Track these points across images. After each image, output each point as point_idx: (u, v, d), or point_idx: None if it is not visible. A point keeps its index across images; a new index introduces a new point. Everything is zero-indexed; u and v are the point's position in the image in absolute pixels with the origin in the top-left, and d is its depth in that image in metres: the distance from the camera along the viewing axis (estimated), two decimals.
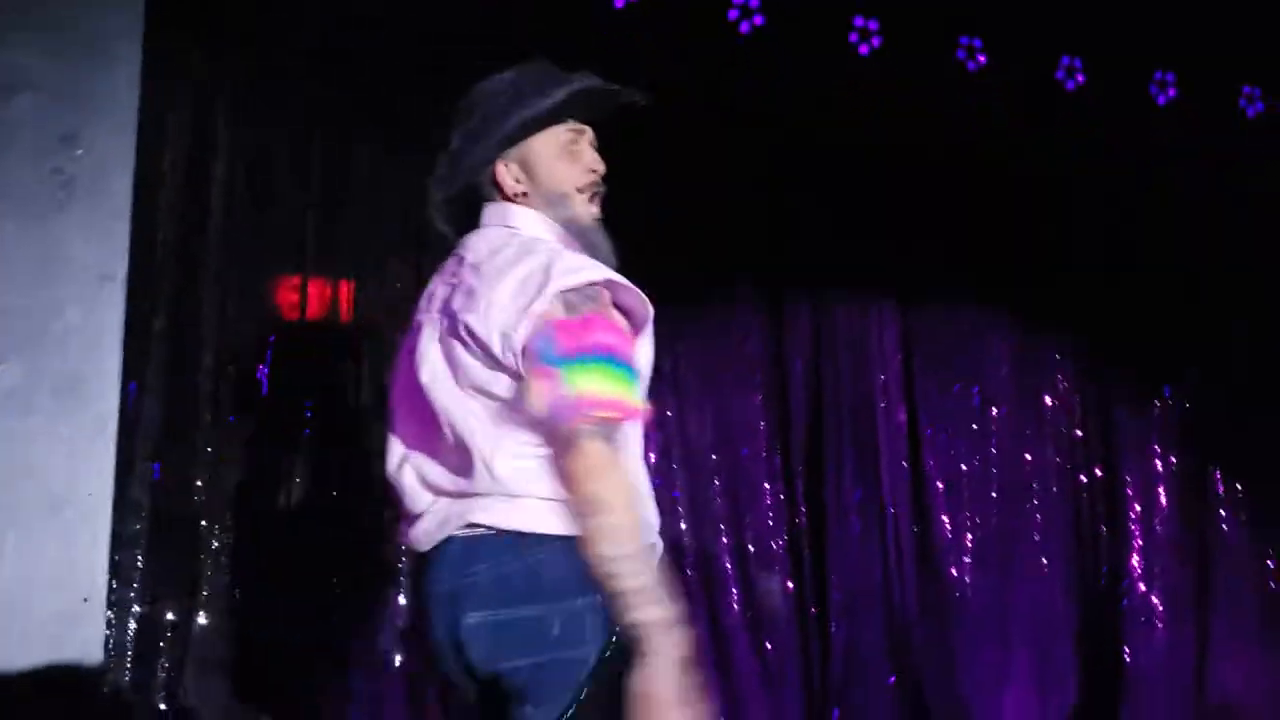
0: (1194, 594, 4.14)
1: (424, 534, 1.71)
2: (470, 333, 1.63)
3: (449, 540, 1.66)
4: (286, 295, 3.30)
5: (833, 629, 3.71)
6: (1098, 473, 4.13)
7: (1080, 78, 4.01)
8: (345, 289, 3.34)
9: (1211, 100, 4.17)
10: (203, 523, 3.06)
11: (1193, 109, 4.15)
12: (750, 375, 3.81)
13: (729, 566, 3.67)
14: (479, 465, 1.63)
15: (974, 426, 4.01)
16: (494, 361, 1.62)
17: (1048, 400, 4.14)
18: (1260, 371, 4.25)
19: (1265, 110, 4.18)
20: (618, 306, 1.67)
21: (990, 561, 3.95)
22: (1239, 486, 4.24)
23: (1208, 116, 4.17)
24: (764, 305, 3.86)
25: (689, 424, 3.72)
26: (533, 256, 1.66)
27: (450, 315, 1.69)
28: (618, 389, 1.53)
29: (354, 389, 3.28)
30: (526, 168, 1.80)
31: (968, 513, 3.96)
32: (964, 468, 3.98)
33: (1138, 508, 4.13)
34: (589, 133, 1.85)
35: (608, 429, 1.54)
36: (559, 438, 1.55)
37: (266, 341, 3.22)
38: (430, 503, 1.72)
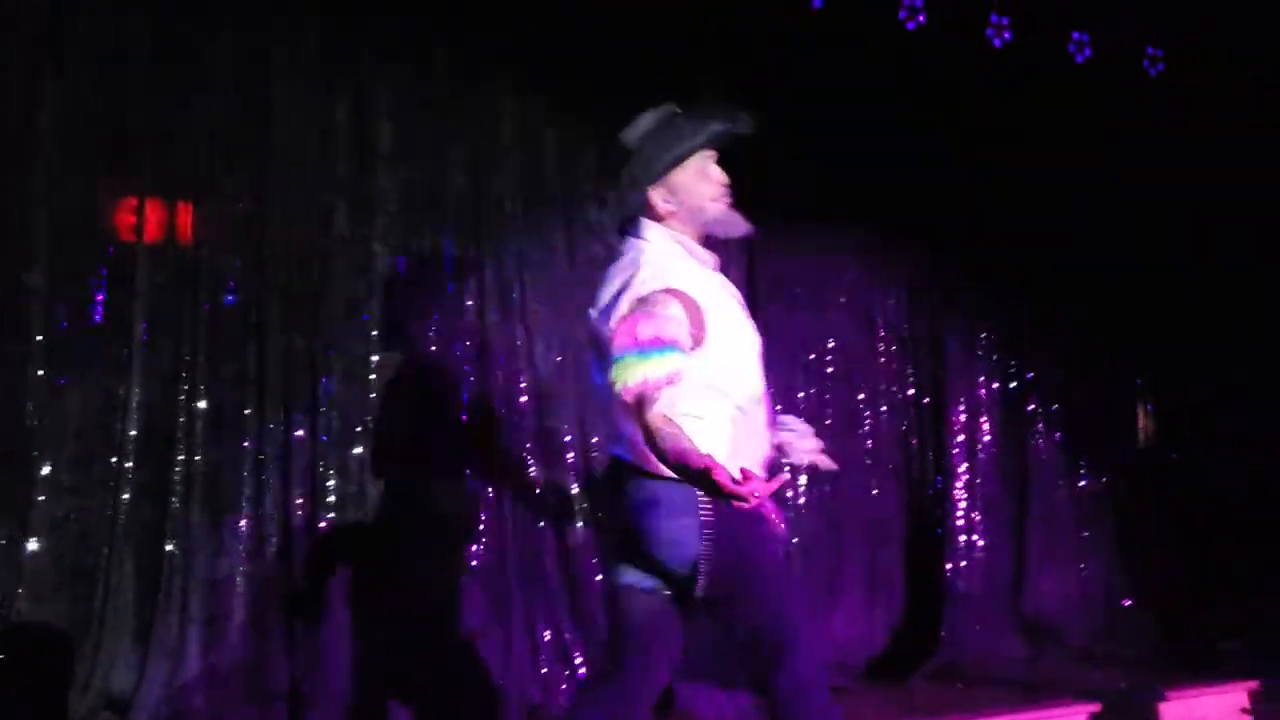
0: (1013, 511, 4.41)
1: None
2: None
3: None
4: (123, 216, 3.22)
5: None
6: (926, 399, 4.35)
7: (922, 18, 4.15)
8: (183, 210, 3.26)
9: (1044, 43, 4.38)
10: (34, 451, 3.02)
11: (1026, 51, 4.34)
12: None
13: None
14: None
15: (811, 356, 4.17)
16: None
17: (882, 329, 4.33)
18: (1076, 302, 4.52)
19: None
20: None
21: (823, 480, 4.12)
22: (1054, 406, 4.52)
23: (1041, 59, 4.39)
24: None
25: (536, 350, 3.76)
26: (625, 275, 2.32)
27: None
28: (646, 372, 2.18)
29: (190, 314, 3.23)
30: (673, 191, 2.40)
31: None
32: (801, 395, 4.14)
33: (961, 432, 4.37)
34: (713, 154, 2.43)
35: (651, 399, 2.19)
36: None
37: (101, 262, 3.15)
38: None
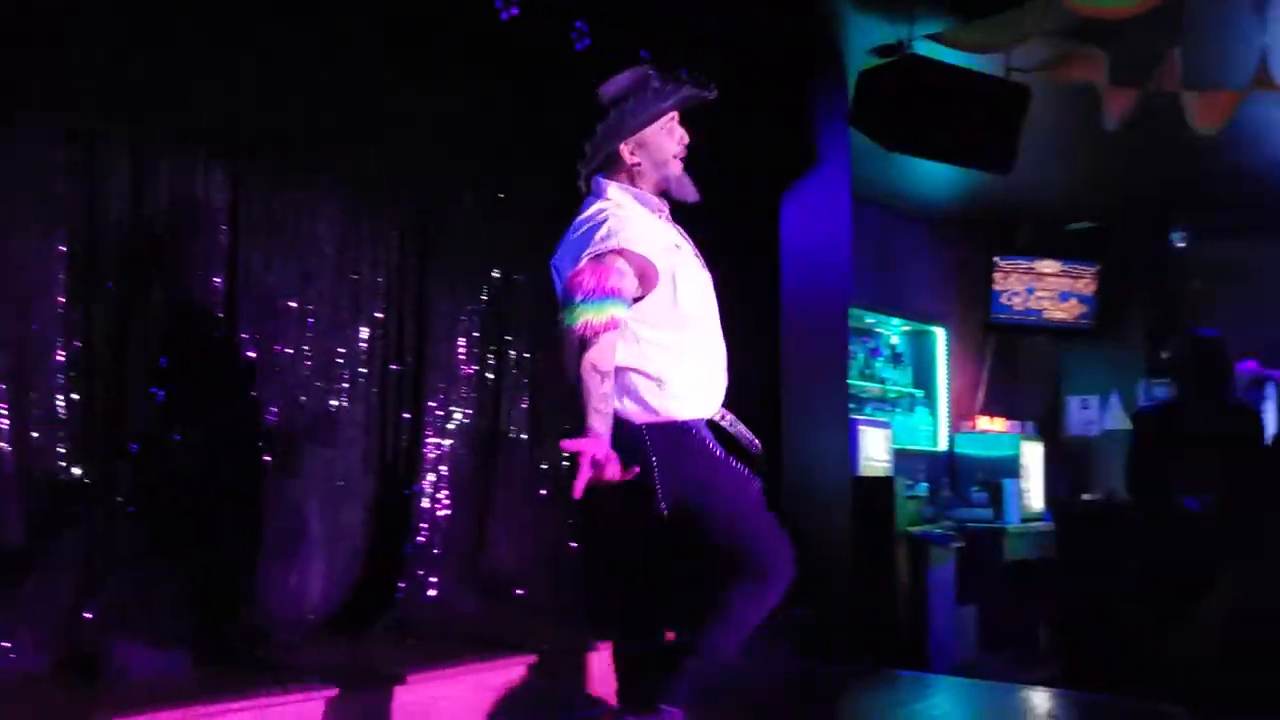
0: (478, 474, 4.56)
1: None
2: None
3: None
4: None
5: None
6: (408, 358, 4.37)
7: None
8: None
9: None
10: None
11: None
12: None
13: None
14: None
15: (293, 304, 4.04)
16: None
17: (367, 287, 4.29)
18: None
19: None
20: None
21: (298, 435, 4.02)
22: (524, 377, 4.73)
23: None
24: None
25: None
26: (588, 226, 2.63)
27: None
28: (588, 317, 2.48)
29: None
30: (642, 145, 2.70)
31: (282, 385, 4.00)
32: (277, 348, 4.00)
33: (435, 396, 4.44)
34: (676, 114, 2.72)
35: (589, 341, 2.47)
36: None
37: None
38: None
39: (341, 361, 4.20)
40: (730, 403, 2.93)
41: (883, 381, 7.71)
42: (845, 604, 5.17)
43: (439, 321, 4.49)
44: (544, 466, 4.79)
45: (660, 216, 2.73)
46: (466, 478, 4.53)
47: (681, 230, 2.78)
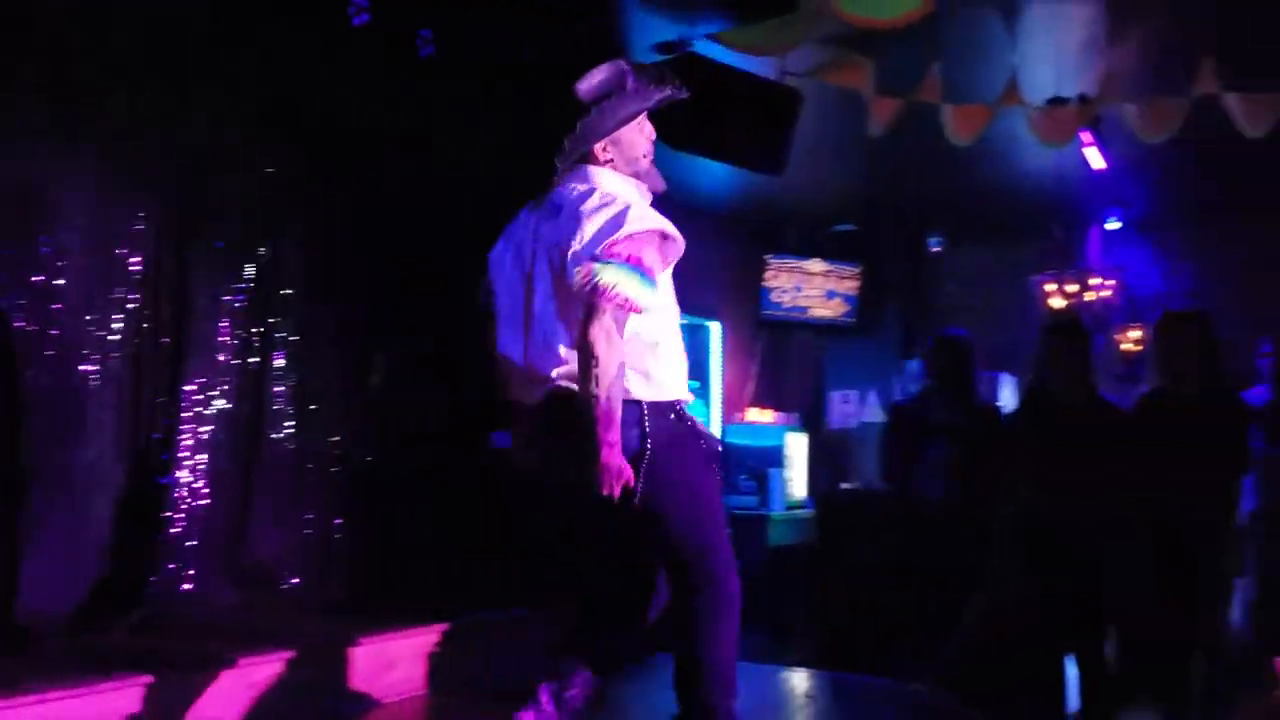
0: (241, 462, 4.37)
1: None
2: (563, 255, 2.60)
3: None
4: None
5: None
6: (163, 341, 4.14)
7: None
8: None
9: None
10: None
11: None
12: None
13: None
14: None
15: (34, 279, 3.76)
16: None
17: (123, 263, 4.03)
18: (315, 258, 4.63)
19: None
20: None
21: (43, 424, 3.75)
22: (291, 362, 4.56)
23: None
24: None
25: None
26: (614, 205, 2.61)
27: (542, 240, 2.70)
28: (627, 287, 2.47)
29: None
30: (617, 142, 2.76)
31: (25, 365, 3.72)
32: (23, 323, 3.72)
33: (195, 380, 4.23)
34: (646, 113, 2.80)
35: (619, 309, 2.49)
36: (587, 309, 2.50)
37: None
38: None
39: (92, 343, 3.93)
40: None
41: None
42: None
43: (199, 301, 4.26)
44: (310, 456, 4.63)
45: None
46: (227, 465, 4.33)
47: None
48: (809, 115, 5.24)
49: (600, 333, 2.46)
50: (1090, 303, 7.03)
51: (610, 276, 2.46)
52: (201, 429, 4.25)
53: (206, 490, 4.24)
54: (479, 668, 4.25)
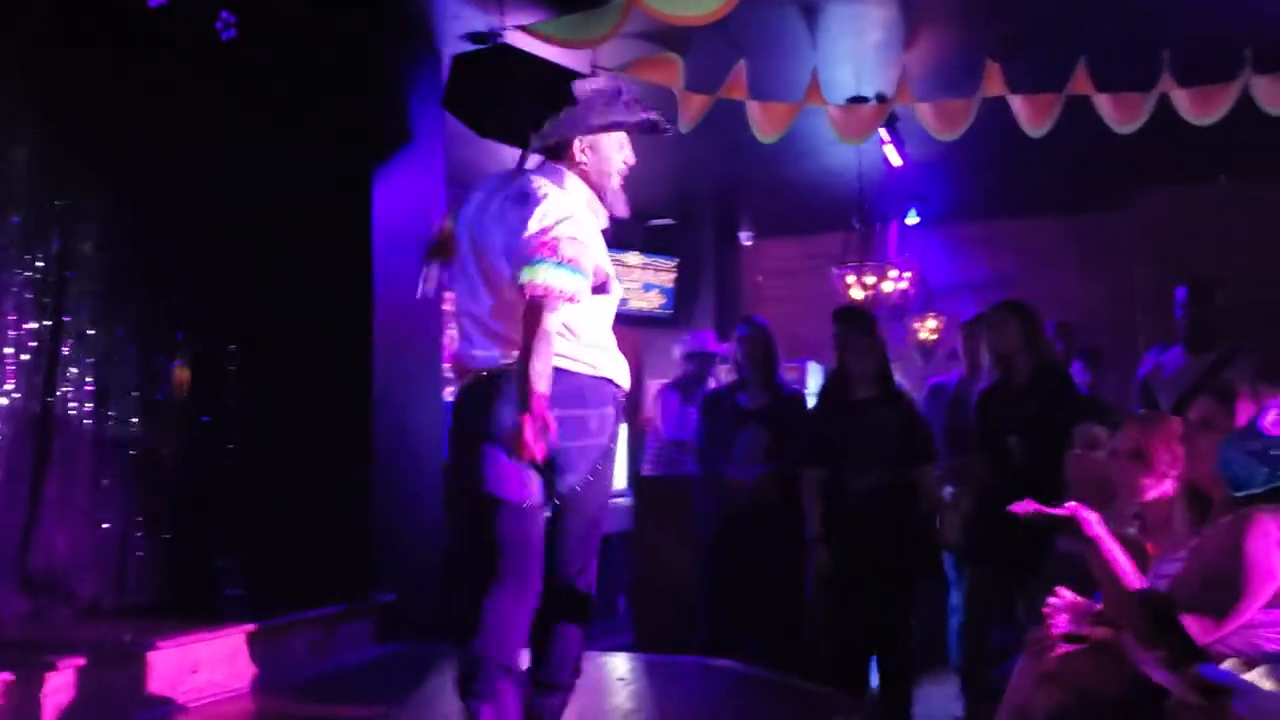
0: (31, 462, 4.15)
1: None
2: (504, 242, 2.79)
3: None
4: None
5: None
6: None
7: None
8: None
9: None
10: None
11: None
12: None
13: None
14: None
15: None
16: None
17: None
18: (120, 251, 4.45)
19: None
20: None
21: None
22: (87, 356, 4.36)
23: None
24: None
25: None
26: (558, 209, 2.73)
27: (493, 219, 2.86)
28: (558, 280, 2.63)
29: None
30: (595, 148, 2.87)
31: None
32: None
33: None
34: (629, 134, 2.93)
35: (551, 304, 2.63)
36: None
37: None
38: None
39: None
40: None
41: None
42: (434, 586, 5.21)
43: None
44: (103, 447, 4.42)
45: (599, 225, 2.89)
46: (13, 463, 4.09)
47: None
48: None
49: (543, 330, 2.61)
50: (888, 293, 7.36)
51: (539, 275, 2.62)
52: None
53: None
54: (290, 667, 4.17)
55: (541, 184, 2.81)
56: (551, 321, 2.62)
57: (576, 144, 2.86)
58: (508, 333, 2.78)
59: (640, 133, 2.96)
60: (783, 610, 5.01)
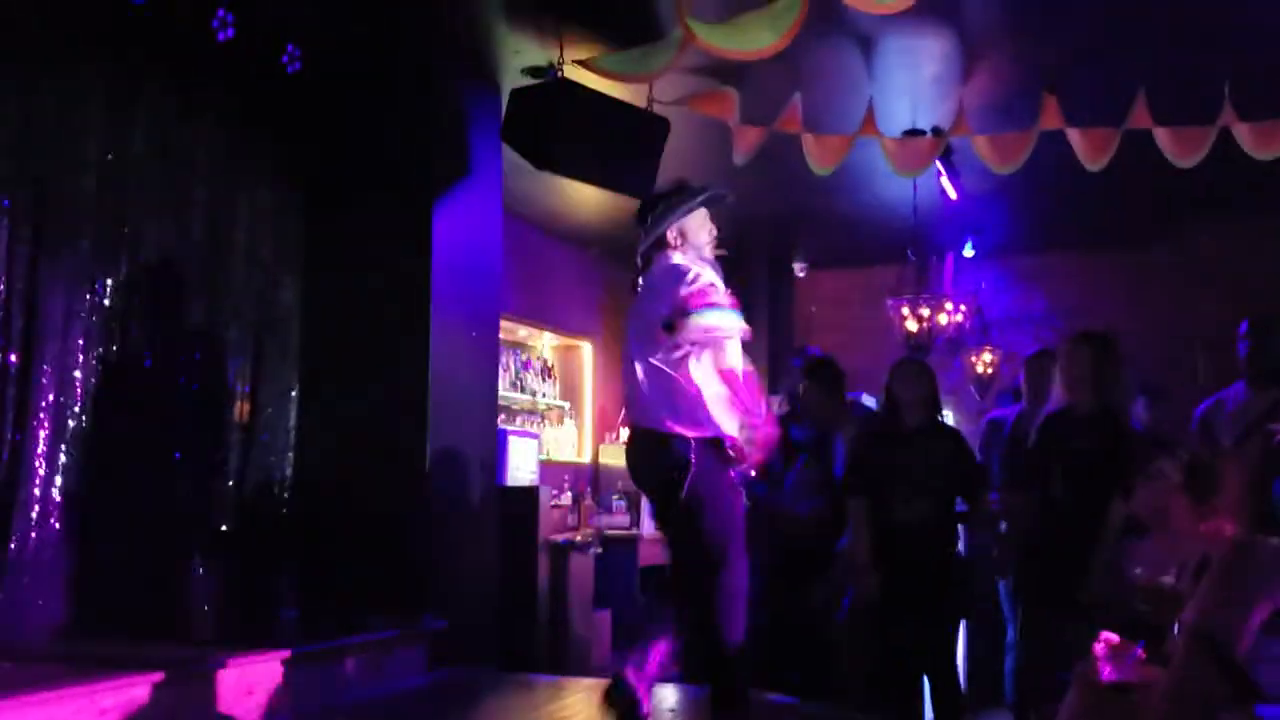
0: (93, 483, 4.23)
1: None
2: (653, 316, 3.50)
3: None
4: None
5: None
6: (13, 357, 3.99)
7: None
8: None
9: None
10: None
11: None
12: None
13: None
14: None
15: None
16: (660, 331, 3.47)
17: None
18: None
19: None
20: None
21: None
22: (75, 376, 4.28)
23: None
24: None
25: None
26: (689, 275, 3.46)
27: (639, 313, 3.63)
28: (720, 320, 3.37)
29: None
30: (683, 232, 3.62)
31: None
32: None
33: (51, 397, 4.09)
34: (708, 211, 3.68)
35: (715, 340, 3.43)
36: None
37: None
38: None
39: None
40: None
41: (533, 393, 7.89)
42: (488, 612, 5.25)
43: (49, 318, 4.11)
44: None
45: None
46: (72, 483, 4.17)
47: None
48: (677, 141, 5.36)
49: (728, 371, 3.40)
50: (944, 326, 7.31)
51: (706, 320, 3.31)
52: (55, 448, 4.10)
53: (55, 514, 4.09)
54: (342, 690, 4.21)
55: (657, 273, 3.56)
56: (732, 360, 3.45)
57: (669, 233, 3.56)
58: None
59: (710, 207, 3.63)
60: (823, 642, 4.97)
